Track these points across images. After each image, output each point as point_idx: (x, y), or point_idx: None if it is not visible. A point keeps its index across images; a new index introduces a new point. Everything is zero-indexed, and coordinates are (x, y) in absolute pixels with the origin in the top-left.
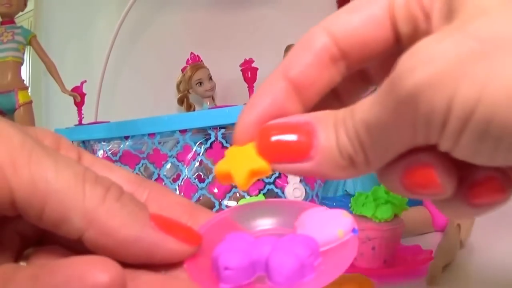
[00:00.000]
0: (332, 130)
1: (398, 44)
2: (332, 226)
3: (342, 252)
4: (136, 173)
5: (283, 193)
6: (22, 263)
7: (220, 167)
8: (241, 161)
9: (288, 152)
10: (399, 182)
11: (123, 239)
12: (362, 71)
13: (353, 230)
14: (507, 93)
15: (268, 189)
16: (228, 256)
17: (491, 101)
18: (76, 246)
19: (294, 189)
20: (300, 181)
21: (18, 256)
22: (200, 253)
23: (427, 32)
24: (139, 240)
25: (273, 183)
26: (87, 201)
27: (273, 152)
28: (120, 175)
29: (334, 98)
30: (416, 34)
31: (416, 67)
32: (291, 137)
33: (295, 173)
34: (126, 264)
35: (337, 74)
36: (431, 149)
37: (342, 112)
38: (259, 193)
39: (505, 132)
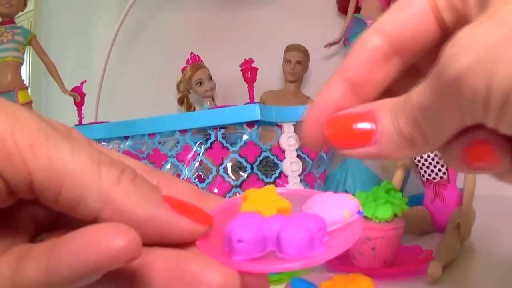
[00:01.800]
0: (393, 115)
1: (445, 32)
2: (338, 208)
3: (348, 232)
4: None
5: None
6: None
7: (247, 207)
8: (267, 202)
9: (355, 139)
10: (461, 159)
11: (138, 218)
12: (412, 66)
13: (358, 212)
14: None
15: None
16: (241, 230)
17: None
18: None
19: None
20: (300, 181)
21: (32, 242)
22: (211, 234)
23: (466, 17)
24: (153, 219)
25: (273, 183)
26: (102, 181)
27: (342, 140)
28: (130, 164)
29: (389, 96)
30: (458, 20)
31: (457, 54)
32: (357, 125)
33: (363, 157)
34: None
35: (392, 71)
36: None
37: (399, 99)
38: None
39: None
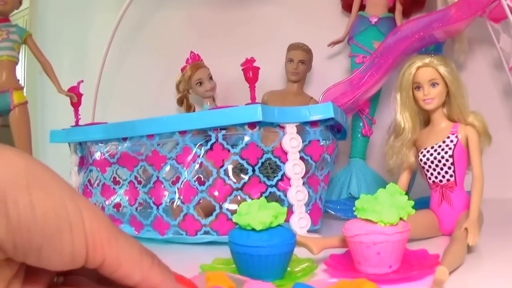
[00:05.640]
0: None
1: None
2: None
3: None
4: (135, 176)
5: (285, 196)
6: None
7: (213, 283)
8: (223, 281)
9: None
10: None
11: None
12: None
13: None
14: None
15: (270, 192)
16: None
17: None
18: (91, 275)
19: (297, 192)
20: (303, 183)
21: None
22: None
23: None
24: None
25: (276, 185)
26: (143, 265)
27: None
28: None
29: None
30: None
31: None
32: None
33: None
34: None
35: None
36: None
37: None
38: (261, 196)
39: None
